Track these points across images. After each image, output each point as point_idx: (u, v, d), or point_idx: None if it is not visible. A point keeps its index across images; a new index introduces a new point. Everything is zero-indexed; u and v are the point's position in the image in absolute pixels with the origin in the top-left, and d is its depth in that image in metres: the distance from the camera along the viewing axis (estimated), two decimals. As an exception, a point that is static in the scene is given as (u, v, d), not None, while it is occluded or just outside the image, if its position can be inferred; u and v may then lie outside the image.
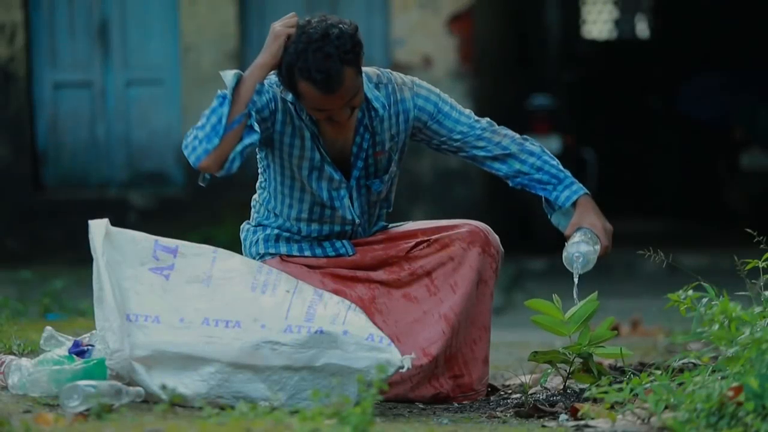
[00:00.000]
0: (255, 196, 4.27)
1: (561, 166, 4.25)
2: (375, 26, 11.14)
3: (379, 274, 4.17)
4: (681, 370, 4.05)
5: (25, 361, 3.82)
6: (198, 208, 11.06)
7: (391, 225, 4.32)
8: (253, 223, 4.26)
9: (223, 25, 11.07)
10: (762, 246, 4.02)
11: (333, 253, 4.19)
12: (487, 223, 4.27)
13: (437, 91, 4.21)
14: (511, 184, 4.27)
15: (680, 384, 3.52)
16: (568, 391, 4.17)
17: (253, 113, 3.91)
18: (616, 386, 3.60)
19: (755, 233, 4.09)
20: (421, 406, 4.11)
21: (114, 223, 3.91)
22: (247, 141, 3.89)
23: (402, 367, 3.76)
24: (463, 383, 4.19)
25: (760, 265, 3.86)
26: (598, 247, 4.13)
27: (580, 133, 12.68)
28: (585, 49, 18.33)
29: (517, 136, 4.24)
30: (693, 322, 3.76)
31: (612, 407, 3.62)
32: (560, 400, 4.07)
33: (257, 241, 4.22)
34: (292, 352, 3.76)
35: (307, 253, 4.19)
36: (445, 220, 4.30)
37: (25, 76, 11.28)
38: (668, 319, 5.78)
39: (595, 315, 4.14)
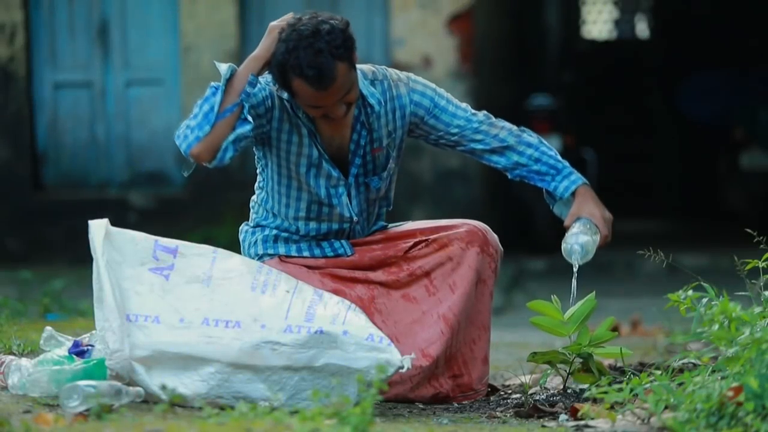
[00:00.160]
0: (253, 197, 4.28)
1: (559, 157, 4.25)
2: (375, 26, 11.14)
3: (378, 275, 4.17)
4: (681, 370, 4.06)
5: (25, 361, 3.82)
6: (198, 208, 11.06)
7: (390, 225, 4.32)
8: (252, 224, 4.26)
9: (223, 25, 11.08)
10: (762, 246, 4.02)
11: (332, 254, 4.19)
12: (487, 223, 4.27)
13: (433, 86, 4.22)
14: (510, 177, 4.27)
15: (680, 384, 3.52)
16: (568, 391, 4.17)
17: (246, 105, 3.92)
18: (616, 386, 3.60)
19: (755, 233, 4.09)
20: (421, 406, 4.11)
21: (114, 223, 3.91)
22: (239, 130, 3.90)
23: (402, 367, 3.76)
24: (463, 383, 4.19)
25: (760, 265, 3.86)
26: (597, 237, 4.12)
27: (580, 133, 12.67)
28: (585, 49, 18.32)
29: (515, 128, 4.25)
30: (693, 322, 3.76)
31: (612, 407, 3.62)
32: (560, 400, 4.07)
33: (256, 242, 4.22)
34: (292, 352, 3.76)
35: (306, 253, 4.19)
36: (443, 220, 4.30)
37: (25, 76, 11.28)
38: (668, 319, 5.78)
39: (594, 315, 4.14)
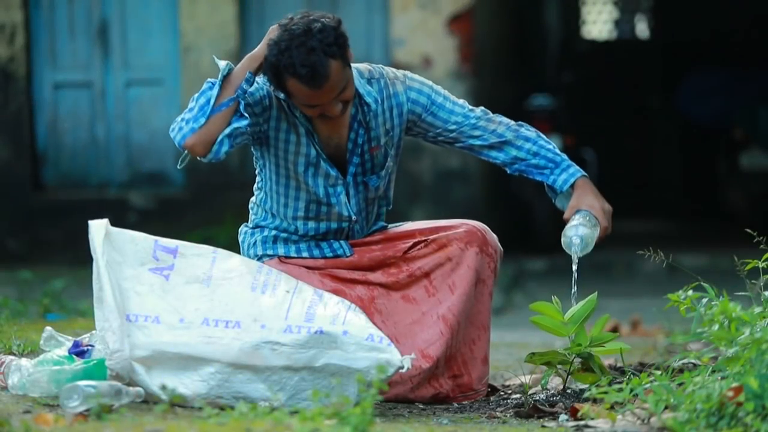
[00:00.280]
0: (252, 198, 4.28)
1: (557, 150, 4.25)
2: (375, 26, 11.14)
3: (378, 276, 4.17)
4: (681, 371, 4.06)
5: (25, 362, 3.82)
6: (198, 208, 11.06)
7: (390, 225, 4.32)
8: (251, 225, 4.26)
9: (223, 25, 11.08)
10: (762, 246, 4.02)
11: (331, 254, 4.19)
12: (486, 223, 4.27)
13: (429, 83, 4.22)
14: (509, 172, 4.27)
15: (680, 384, 3.52)
16: (568, 391, 4.17)
17: (242, 102, 3.92)
18: (616, 386, 3.60)
19: (755, 233, 4.08)
20: (421, 406, 4.11)
21: (114, 223, 3.91)
22: (235, 125, 3.91)
23: (402, 368, 3.76)
24: (463, 383, 4.19)
25: (760, 265, 3.86)
26: (597, 229, 4.13)
27: (580, 133, 12.67)
28: (585, 49, 18.31)
29: (512, 122, 4.25)
30: (693, 323, 3.76)
31: (612, 407, 3.62)
32: (560, 400, 4.07)
33: (255, 243, 4.22)
34: (291, 352, 3.76)
35: (305, 254, 4.19)
36: (443, 220, 4.30)
37: (25, 76, 11.28)
38: (668, 319, 5.78)
39: (594, 315, 4.14)
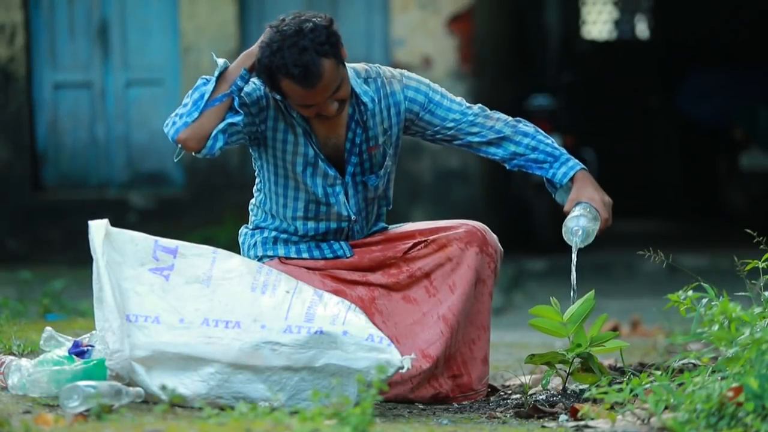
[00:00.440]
0: (252, 200, 4.28)
1: (556, 144, 4.26)
2: (375, 26, 11.14)
3: (378, 277, 4.17)
4: (681, 371, 4.06)
5: (25, 362, 3.82)
6: (198, 208, 11.06)
7: (390, 226, 4.32)
8: (251, 227, 4.26)
9: (223, 26, 11.07)
10: (762, 246, 4.02)
11: (331, 255, 4.19)
12: (486, 223, 4.27)
13: (427, 81, 4.22)
14: (508, 167, 4.27)
15: (680, 384, 3.52)
16: (568, 391, 4.17)
17: (236, 97, 3.93)
18: (616, 387, 3.60)
19: (755, 233, 4.08)
20: (421, 406, 4.11)
21: (114, 224, 3.91)
22: (229, 120, 3.91)
23: (402, 368, 3.76)
24: (463, 383, 4.19)
25: (760, 266, 3.86)
26: (598, 221, 4.13)
27: (580, 133, 12.67)
28: (585, 49, 18.31)
29: (510, 118, 4.25)
30: (693, 323, 3.76)
31: (612, 408, 3.62)
32: (560, 400, 4.07)
33: (255, 244, 4.22)
34: (291, 352, 3.76)
35: (305, 255, 4.19)
36: (442, 220, 4.30)
37: (25, 77, 11.28)
38: (668, 319, 5.78)
39: (593, 315, 4.14)
